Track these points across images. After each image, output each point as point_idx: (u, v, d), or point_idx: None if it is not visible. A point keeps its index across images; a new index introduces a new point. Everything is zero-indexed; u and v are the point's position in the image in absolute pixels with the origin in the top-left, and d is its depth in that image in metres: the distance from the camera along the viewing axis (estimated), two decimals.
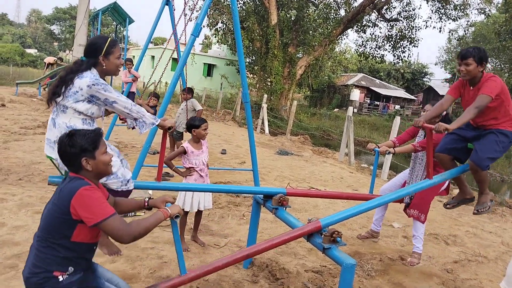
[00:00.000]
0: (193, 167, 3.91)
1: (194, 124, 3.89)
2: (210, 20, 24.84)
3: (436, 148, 3.55)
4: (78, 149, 2.04)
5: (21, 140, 8.02)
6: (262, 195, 3.37)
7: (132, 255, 3.60)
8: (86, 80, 2.65)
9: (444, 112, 3.77)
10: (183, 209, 3.90)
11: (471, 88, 3.31)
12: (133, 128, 3.06)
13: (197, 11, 19.67)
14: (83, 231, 1.99)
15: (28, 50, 50.91)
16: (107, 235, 2.60)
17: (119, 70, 2.96)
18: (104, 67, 2.80)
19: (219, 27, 25.70)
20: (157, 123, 2.92)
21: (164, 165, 3.43)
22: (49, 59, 19.86)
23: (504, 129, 3.26)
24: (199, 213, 4.09)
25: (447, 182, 4.11)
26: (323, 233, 2.72)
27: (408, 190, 3.43)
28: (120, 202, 2.40)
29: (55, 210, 1.99)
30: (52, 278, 1.97)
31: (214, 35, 27.09)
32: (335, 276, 3.66)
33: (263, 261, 3.73)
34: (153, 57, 34.68)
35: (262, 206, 3.46)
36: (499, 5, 27.37)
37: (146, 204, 2.37)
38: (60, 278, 1.98)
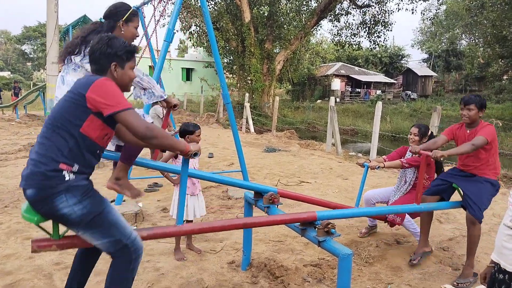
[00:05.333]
0: None
1: (188, 130, 3.86)
2: (183, 24, 24.68)
3: (426, 191, 3.83)
4: (114, 51, 2.03)
5: (3, 166, 7.85)
6: (253, 195, 3.36)
7: None
8: None
9: (429, 132, 4.20)
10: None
11: (468, 131, 3.61)
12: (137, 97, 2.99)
13: (168, 16, 19.51)
14: (94, 123, 1.96)
15: (1, 73, 49.87)
16: (124, 167, 2.59)
17: (133, 40, 2.94)
18: (122, 32, 2.79)
19: (193, 30, 25.55)
20: (165, 97, 2.94)
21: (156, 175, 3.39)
22: None
23: (489, 178, 3.57)
24: (190, 221, 4.05)
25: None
26: (317, 226, 2.72)
27: (395, 210, 3.57)
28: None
29: (70, 96, 1.95)
30: (59, 172, 1.91)
31: (189, 39, 26.92)
32: (334, 267, 3.66)
33: (261, 261, 3.71)
34: None
35: (254, 206, 3.44)
36: None
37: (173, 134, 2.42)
38: (66, 176, 1.92)
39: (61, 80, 2.68)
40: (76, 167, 1.95)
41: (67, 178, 1.91)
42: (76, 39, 2.68)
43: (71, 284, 2.37)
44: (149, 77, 2.84)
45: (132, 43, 2.94)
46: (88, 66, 2.58)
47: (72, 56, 2.63)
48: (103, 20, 2.83)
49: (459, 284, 3.45)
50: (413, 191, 4.16)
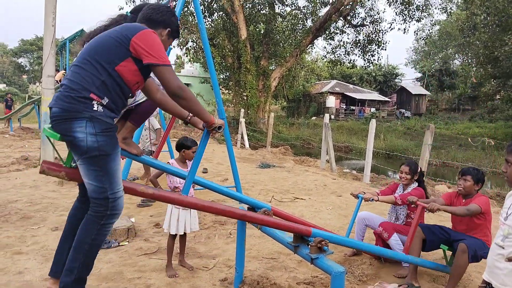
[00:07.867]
0: (178, 187, 3.84)
1: (186, 145, 3.88)
2: (180, 40, 24.91)
3: (422, 224, 3.90)
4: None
5: None
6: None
7: (119, 287, 3.49)
8: None
9: (419, 169, 4.30)
10: (172, 234, 3.84)
11: (463, 200, 3.71)
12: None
13: None
14: (130, 67, 2.00)
15: None
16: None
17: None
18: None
19: (190, 46, 25.77)
20: None
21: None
22: (60, 75, 14.31)
23: (484, 242, 3.64)
24: (183, 236, 4.02)
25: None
26: (310, 243, 2.70)
27: (383, 252, 3.61)
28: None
29: (114, 34, 2.00)
30: (88, 100, 1.92)
31: (186, 54, 27.13)
32: (327, 285, 3.64)
33: (254, 278, 3.67)
34: None
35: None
36: (459, 2, 28.36)
37: (188, 118, 2.50)
38: (95, 106, 1.94)
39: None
40: (106, 100, 1.98)
41: (95, 108, 1.94)
42: (99, 27, 2.68)
43: (63, 248, 2.35)
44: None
45: None
46: None
47: None
48: (128, 13, 2.77)
49: None
50: (404, 227, 4.20)
